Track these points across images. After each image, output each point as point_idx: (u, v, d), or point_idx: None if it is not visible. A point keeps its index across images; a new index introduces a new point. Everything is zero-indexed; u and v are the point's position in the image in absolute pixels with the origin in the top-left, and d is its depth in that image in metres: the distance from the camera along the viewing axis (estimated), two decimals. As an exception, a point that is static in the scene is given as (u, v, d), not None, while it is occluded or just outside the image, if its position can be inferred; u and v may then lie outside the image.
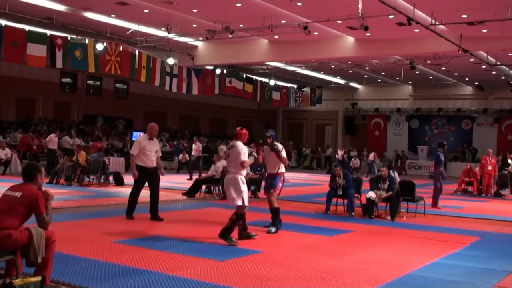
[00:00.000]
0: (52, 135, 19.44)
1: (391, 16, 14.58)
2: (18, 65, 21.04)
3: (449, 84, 30.79)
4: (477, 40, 18.08)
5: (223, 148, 24.20)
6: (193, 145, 20.83)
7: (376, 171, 24.00)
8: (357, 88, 35.11)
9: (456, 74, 27.60)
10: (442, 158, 13.08)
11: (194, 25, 18.84)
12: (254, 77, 26.70)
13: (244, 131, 7.70)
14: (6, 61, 18.74)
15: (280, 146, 8.53)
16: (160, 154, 9.46)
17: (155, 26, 19.36)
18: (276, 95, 28.17)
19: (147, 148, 9.07)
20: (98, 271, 5.55)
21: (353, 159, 28.03)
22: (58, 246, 4.96)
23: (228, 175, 7.55)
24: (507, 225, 10.30)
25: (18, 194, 4.66)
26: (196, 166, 19.94)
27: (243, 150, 7.50)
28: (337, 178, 10.91)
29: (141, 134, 24.03)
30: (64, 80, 27.03)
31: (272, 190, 8.55)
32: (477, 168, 17.42)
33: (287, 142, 33.25)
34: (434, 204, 12.70)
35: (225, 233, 7.31)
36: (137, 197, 9.23)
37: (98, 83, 28.51)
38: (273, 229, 8.31)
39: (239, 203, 7.37)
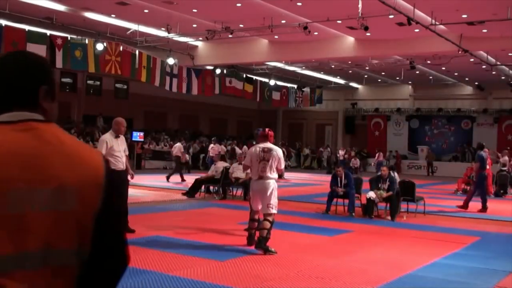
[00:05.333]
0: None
1: (391, 16, 14.59)
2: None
3: (449, 84, 30.78)
4: (477, 40, 18.09)
5: (238, 150, 24.15)
6: None
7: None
8: (357, 88, 35.10)
9: (456, 74, 27.60)
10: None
11: (194, 25, 18.84)
12: (254, 77, 26.67)
13: (271, 132, 7.36)
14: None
15: None
16: (128, 153, 8.21)
17: (155, 26, 19.36)
18: (276, 95, 28.14)
19: (115, 148, 7.74)
20: (98, 271, 5.53)
21: (353, 159, 28.00)
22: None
23: (264, 180, 6.96)
24: (507, 225, 10.30)
25: None
26: None
27: (282, 154, 7.22)
28: (337, 188, 10.87)
29: (141, 134, 24.22)
30: (64, 80, 27.02)
31: None
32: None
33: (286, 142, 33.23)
34: (484, 209, 12.24)
35: (264, 243, 6.77)
36: None
37: (98, 83, 28.50)
38: None
39: (275, 211, 7.00)
